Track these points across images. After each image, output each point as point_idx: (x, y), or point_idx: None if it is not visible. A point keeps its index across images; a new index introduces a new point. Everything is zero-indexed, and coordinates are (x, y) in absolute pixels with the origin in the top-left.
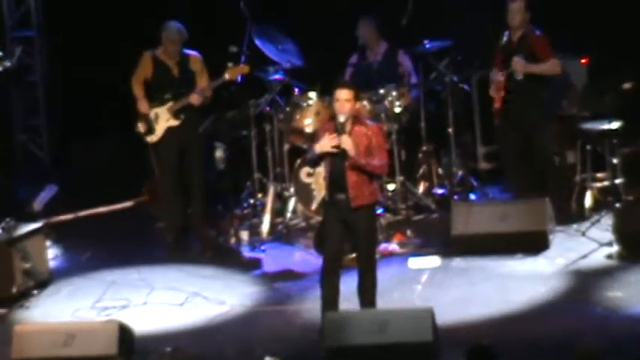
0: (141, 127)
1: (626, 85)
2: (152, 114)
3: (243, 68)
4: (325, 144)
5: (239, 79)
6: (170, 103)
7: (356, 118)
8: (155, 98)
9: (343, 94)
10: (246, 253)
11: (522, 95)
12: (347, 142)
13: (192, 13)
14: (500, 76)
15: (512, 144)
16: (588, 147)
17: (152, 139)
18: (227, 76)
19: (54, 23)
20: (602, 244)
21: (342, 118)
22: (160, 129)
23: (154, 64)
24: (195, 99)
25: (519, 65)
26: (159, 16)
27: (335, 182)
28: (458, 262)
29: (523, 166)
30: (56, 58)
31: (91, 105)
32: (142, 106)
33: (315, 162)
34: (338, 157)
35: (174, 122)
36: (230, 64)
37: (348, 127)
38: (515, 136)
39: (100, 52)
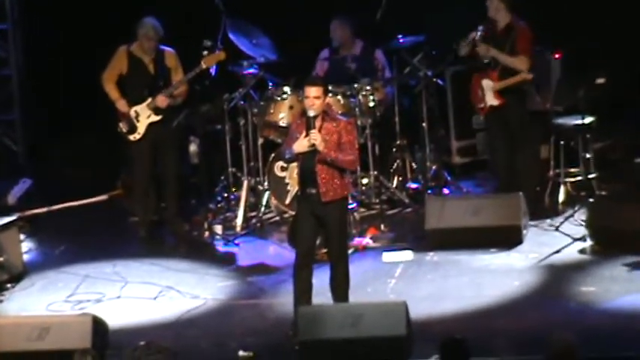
0: (123, 127)
1: (600, 80)
2: (132, 112)
3: (220, 55)
4: (303, 144)
5: (215, 67)
6: (149, 100)
7: (326, 114)
8: (132, 95)
9: (312, 92)
10: (220, 247)
11: (506, 92)
12: (316, 137)
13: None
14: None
15: (500, 137)
16: (562, 142)
17: (135, 137)
18: (204, 64)
19: (29, 16)
20: (575, 239)
21: (311, 113)
22: (142, 126)
23: (129, 60)
24: (161, 101)
25: (483, 49)
26: (136, 9)
27: (306, 177)
28: (431, 256)
29: (511, 160)
30: (31, 51)
31: (65, 99)
32: (121, 105)
33: (291, 160)
34: (308, 152)
35: (156, 118)
36: (205, 53)
37: (318, 123)
38: (501, 130)
39: (75, 46)
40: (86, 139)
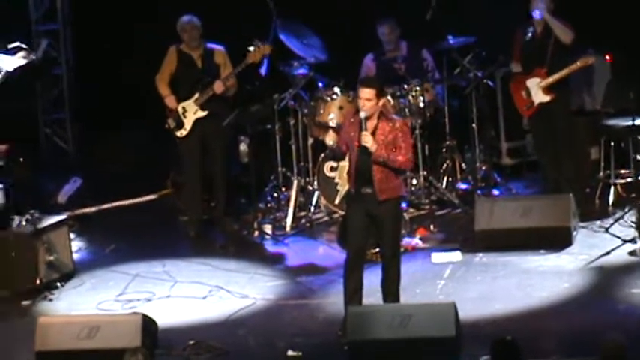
0: (170, 124)
1: None
2: (180, 108)
3: (265, 49)
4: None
5: (266, 68)
6: (196, 95)
7: (382, 114)
8: (181, 92)
9: (365, 93)
10: (270, 246)
11: (553, 87)
12: (367, 139)
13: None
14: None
15: (544, 137)
16: (612, 143)
17: (182, 133)
18: (249, 59)
19: (79, 16)
20: (625, 241)
21: (363, 115)
22: (188, 122)
23: (179, 57)
24: (218, 86)
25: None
26: (186, 9)
27: (361, 176)
28: (480, 257)
29: (559, 161)
30: (81, 51)
31: (116, 98)
32: (170, 102)
33: (337, 156)
34: (364, 151)
35: (202, 114)
36: (251, 49)
37: (373, 123)
38: (547, 130)
39: (125, 46)
40: (137, 139)
